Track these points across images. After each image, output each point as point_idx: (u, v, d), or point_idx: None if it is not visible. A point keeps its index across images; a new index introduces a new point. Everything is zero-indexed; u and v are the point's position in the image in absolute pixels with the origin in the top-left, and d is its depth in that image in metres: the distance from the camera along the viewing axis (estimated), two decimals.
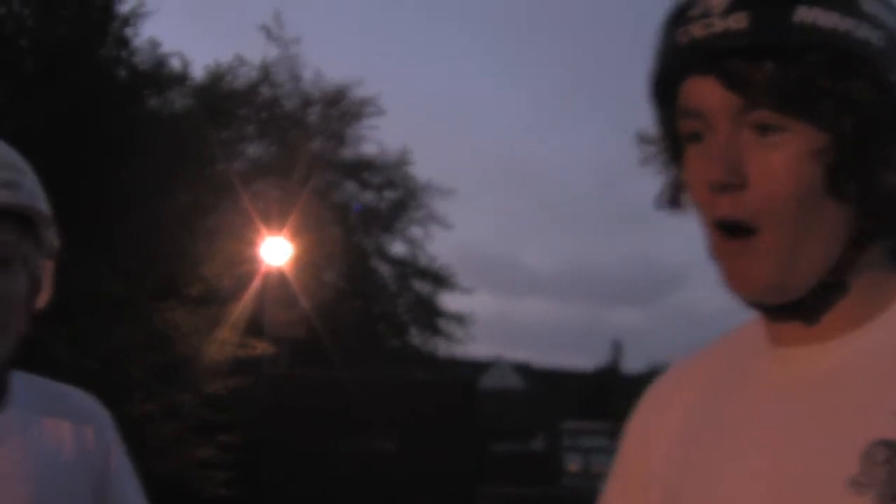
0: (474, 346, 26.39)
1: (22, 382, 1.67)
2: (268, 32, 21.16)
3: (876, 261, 1.09)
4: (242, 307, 15.42)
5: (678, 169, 1.13)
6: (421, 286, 24.35)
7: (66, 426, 1.68)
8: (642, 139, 1.17)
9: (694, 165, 1.08)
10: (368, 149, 23.10)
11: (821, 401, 1.05)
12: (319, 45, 45.62)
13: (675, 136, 1.12)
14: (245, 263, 16.11)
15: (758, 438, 1.08)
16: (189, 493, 12.84)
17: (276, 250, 17.18)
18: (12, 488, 1.57)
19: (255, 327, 16.03)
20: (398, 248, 24.31)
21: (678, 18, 1.07)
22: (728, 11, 1.04)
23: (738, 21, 1.03)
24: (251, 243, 16.57)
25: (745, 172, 1.03)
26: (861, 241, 1.07)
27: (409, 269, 24.17)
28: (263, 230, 16.83)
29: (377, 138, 22.89)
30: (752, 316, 1.17)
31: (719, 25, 1.04)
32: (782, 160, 1.02)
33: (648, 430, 1.25)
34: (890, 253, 1.11)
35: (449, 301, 24.49)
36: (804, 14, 1.02)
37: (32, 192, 1.59)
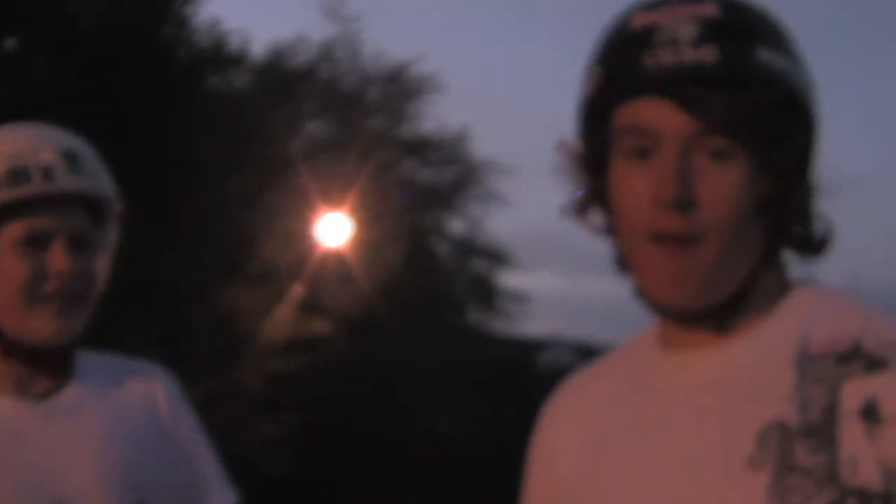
0: (534, 324, 26.31)
1: (88, 358, 1.75)
2: (328, 10, 21.13)
3: (773, 277, 1.24)
4: (302, 285, 15.47)
5: (597, 181, 1.24)
6: (480, 264, 24.28)
7: (135, 394, 1.75)
8: (561, 147, 1.29)
9: (633, 181, 1.18)
10: (428, 126, 23.01)
11: (719, 397, 1.17)
12: (380, 22, 45.57)
13: (601, 151, 1.22)
14: (304, 241, 16.16)
15: (663, 439, 1.19)
16: (254, 472, 12.92)
17: (335, 228, 17.19)
18: (89, 457, 1.63)
19: (314, 306, 16.08)
20: (458, 226, 24.24)
21: (641, 42, 1.16)
22: (697, 43, 1.15)
23: (709, 54, 1.14)
24: (310, 221, 16.60)
25: (695, 192, 1.14)
26: (769, 257, 1.23)
27: (469, 248, 24.10)
28: (323, 208, 16.84)
29: (437, 115, 22.73)
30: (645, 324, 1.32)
31: (689, 55, 1.14)
32: (730, 185, 1.15)
33: (553, 442, 1.35)
34: (783, 267, 1.27)
35: (510, 279, 24.40)
36: (765, 55, 1.16)
37: (106, 184, 1.68)
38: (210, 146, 13.34)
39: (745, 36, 1.16)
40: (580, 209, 1.28)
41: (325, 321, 16.08)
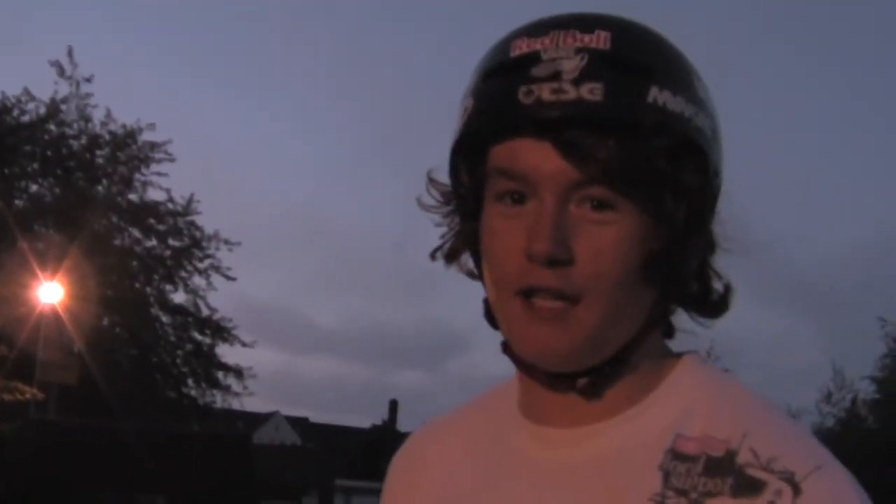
0: (253, 401, 26.08)
1: None
2: (59, 68, 20.64)
3: (656, 341, 1.09)
4: (12, 350, 14.89)
5: (466, 224, 1.10)
6: (201, 337, 23.95)
7: None
8: (433, 183, 1.13)
9: (505, 228, 1.03)
10: (155, 195, 22.68)
11: (581, 488, 1.04)
12: (112, 86, 44.68)
13: (474, 191, 1.08)
14: (19, 306, 15.59)
15: None
16: None
17: (52, 293, 16.68)
18: None
19: (25, 371, 15.48)
20: (180, 298, 23.88)
21: (519, 74, 1.01)
22: (581, 79, 0.99)
23: (593, 92, 0.98)
24: (26, 285, 16.05)
25: (572, 248, 1.00)
26: (656, 318, 1.07)
27: (190, 319, 23.74)
28: (39, 271, 16.33)
29: (165, 185, 22.46)
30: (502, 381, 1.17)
31: (571, 93, 0.98)
32: (611, 240, 1.00)
33: (409, 488, 1.22)
34: (663, 335, 1.11)
35: (229, 353, 24.18)
36: (656, 94, 1.00)
37: None
38: None
39: (636, 72, 1.00)
40: (450, 253, 1.12)
41: (30, 388, 15.49)
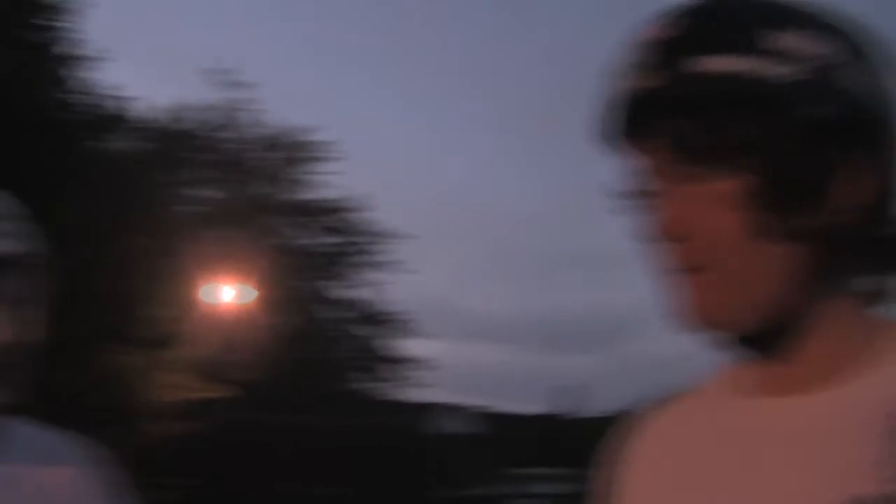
0: (427, 391, 26.34)
1: (20, 430, 1.65)
2: (224, 77, 21.21)
3: (849, 304, 1.07)
4: (188, 350, 15.36)
5: (640, 212, 1.12)
6: (371, 331, 24.33)
7: (60, 476, 1.65)
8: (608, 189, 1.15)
9: (646, 215, 1.08)
10: (326, 194, 23.16)
11: (803, 455, 1.04)
12: (278, 90, 45.80)
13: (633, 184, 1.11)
14: (192, 307, 16.08)
15: (743, 493, 1.07)
16: None
17: (229, 294, 17.16)
18: None
19: (205, 371, 15.96)
20: (354, 293, 24.31)
21: (631, 63, 1.06)
22: (650, 69, 1.04)
23: (657, 78, 1.03)
24: (199, 287, 16.55)
25: (685, 225, 1.04)
26: (821, 278, 1.05)
27: (364, 314, 24.14)
28: (216, 274, 16.81)
29: (333, 184, 22.93)
30: (715, 366, 1.18)
31: (643, 82, 1.04)
32: (712, 210, 1.03)
33: (623, 483, 1.23)
34: (867, 294, 1.09)
35: (404, 346, 24.50)
36: (692, 64, 1.02)
37: (6, 237, 1.58)
38: (90, 209, 13.19)
39: (686, 48, 1.03)
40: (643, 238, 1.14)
41: (215, 386, 15.97)
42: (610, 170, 1.14)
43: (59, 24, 14.42)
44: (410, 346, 24.63)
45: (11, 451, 1.62)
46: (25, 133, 12.63)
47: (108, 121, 15.71)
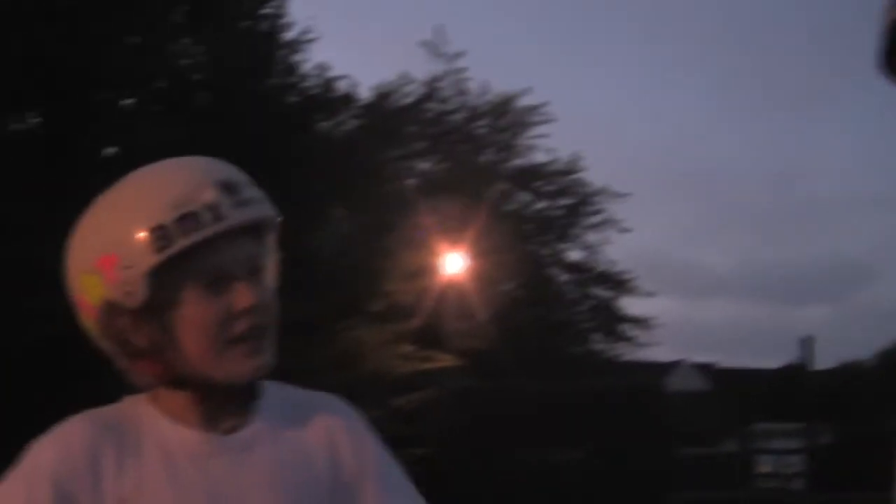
0: (657, 350, 26.01)
1: (272, 390, 1.69)
2: (431, 48, 21.39)
3: None
4: (423, 321, 15.61)
5: None
6: (600, 292, 24.19)
7: (316, 434, 1.68)
8: None
9: None
10: (539, 157, 23.10)
11: None
12: (484, 57, 45.95)
13: None
14: (424, 278, 16.31)
15: None
16: None
17: (452, 263, 17.33)
18: (260, 499, 1.58)
19: (435, 341, 16.20)
20: (575, 255, 24.22)
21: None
22: None
23: None
24: (428, 258, 16.77)
25: None
26: None
27: (588, 275, 24.03)
28: (439, 244, 17.01)
29: (547, 146, 22.82)
30: None
31: None
32: None
33: None
34: None
35: (629, 305, 24.24)
36: None
37: (265, 205, 1.63)
38: (324, 188, 13.57)
39: None
40: None
41: (446, 355, 16.18)
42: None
43: (276, 12, 14.85)
44: (643, 305, 24.38)
45: (271, 408, 1.66)
46: (259, 122, 13.09)
47: (336, 101, 16.13)
